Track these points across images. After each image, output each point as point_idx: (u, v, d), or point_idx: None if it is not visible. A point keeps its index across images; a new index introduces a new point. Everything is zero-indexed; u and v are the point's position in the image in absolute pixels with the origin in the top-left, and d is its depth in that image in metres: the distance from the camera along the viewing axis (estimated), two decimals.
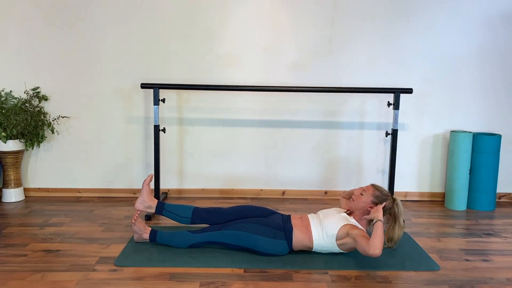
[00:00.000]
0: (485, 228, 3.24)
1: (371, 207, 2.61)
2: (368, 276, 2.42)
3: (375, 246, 2.32)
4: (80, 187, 3.82)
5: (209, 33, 3.66)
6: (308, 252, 2.65)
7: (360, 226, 2.57)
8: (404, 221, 2.61)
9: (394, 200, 2.65)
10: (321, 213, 2.71)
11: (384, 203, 2.60)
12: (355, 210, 2.67)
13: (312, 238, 2.58)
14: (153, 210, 2.80)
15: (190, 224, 2.81)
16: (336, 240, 2.55)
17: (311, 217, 2.68)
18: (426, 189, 3.90)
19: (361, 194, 2.65)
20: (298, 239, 2.59)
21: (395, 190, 3.78)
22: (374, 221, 2.46)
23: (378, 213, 2.51)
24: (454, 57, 3.72)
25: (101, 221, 3.21)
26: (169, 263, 2.51)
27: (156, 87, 3.37)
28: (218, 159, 3.83)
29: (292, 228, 2.60)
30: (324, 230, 2.56)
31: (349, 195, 2.81)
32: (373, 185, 2.69)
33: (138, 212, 2.77)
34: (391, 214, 2.65)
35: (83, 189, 3.82)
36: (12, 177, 3.61)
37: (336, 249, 2.58)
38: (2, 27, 3.60)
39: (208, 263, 2.51)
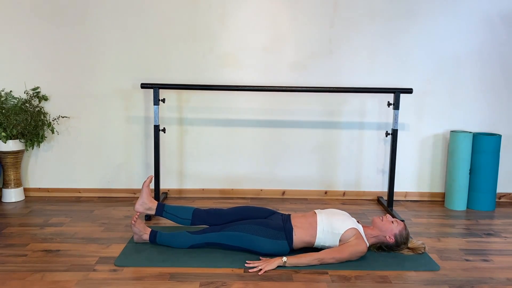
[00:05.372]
0: (485, 228, 3.24)
1: (390, 237, 2.65)
2: (368, 276, 2.42)
3: (324, 259, 2.51)
4: (80, 187, 3.82)
5: (209, 33, 3.66)
6: (308, 251, 2.65)
7: (365, 238, 2.59)
8: (424, 245, 2.78)
9: (408, 248, 2.72)
10: (330, 210, 2.72)
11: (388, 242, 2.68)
12: (375, 227, 2.69)
13: (315, 233, 2.58)
14: (153, 212, 2.80)
15: (191, 225, 2.81)
16: (339, 240, 2.56)
17: (318, 212, 2.69)
18: (426, 189, 3.90)
19: (392, 222, 2.68)
20: (299, 237, 2.59)
21: (395, 190, 3.78)
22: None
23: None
24: (454, 57, 3.72)
25: (101, 221, 3.21)
26: (169, 263, 2.51)
27: (156, 87, 3.37)
28: (218, 159, 3.83)
29: (292, 228, 2.60)
30: (331, 226, 2.57)
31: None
32: (405, 225, 2.72)
33: (138, 214, 2.77)
34: (391, 249, 2.72)
35: (83, 189, 3.82)
36: (12, 177, 3.61)
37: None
38: (2, 27, 3.60)
39: (208, 263, 2.51)
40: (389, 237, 2.64)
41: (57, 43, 3.64)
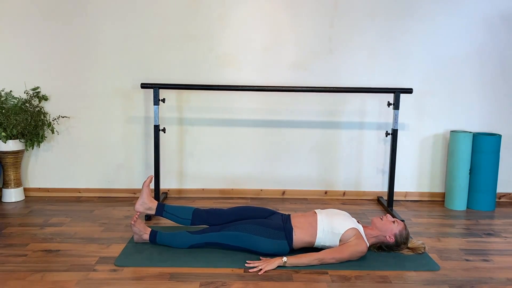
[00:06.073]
0: (485, 228, 3.24)
1: (390, 237, 2.65)
2: (368, 276, 2.42)
3: (324, 259, 2.51)
4: (80, 187, 3.82)
5: (209, 33, 3.66)
6: (308, 251, 2.65)
7: (365, 238, 2.59)
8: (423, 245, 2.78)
9: (408, 248, 2.72)
10: (330, 210, 2.72)
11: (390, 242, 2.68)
12: (374, 227, 2.69)
13: (315, 233, 2.58)
14: (153, 212, 2.80)
15: (191, 225, 2.81)
16: (339, 240, 2.56)
17: (319, 212, 2.69)
18: (426, 189, 3.90)
19: (393, 222, 2.68)
20: (298, 237, 2.59)
21: (395, 190, 3.78)
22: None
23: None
24: (454, 57, 3.73)
25: (101, 221, 3.21)
26: (169, 263, 2.51)
27: (156, 87, 3.37)
28: (218, 159, 3.83)
29: (292, 228, 2.60)
30: (331, 226, 2.57)
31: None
32: (405, 225, 2.72)
33: (138, 213, 2.77)
34: (392, 249, 2.72)
35: (83, 189, 3.82)
36: (12, 177, 3.61)
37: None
38: (2, 27, 3.60)
39: (208, 263, 2.51)
40: (389, 237, 2.64)
41: (57, 43, 3.64)
